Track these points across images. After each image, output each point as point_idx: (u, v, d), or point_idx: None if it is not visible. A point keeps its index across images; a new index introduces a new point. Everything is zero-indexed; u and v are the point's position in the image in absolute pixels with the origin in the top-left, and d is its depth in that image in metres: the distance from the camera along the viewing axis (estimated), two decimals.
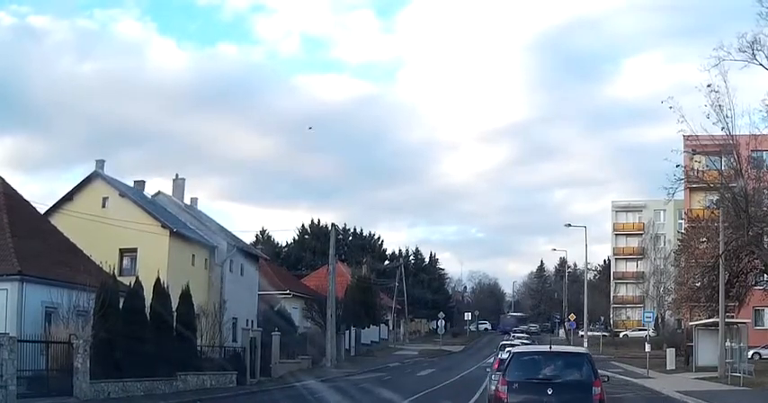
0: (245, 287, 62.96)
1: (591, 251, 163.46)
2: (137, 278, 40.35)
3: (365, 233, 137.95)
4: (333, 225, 64.50)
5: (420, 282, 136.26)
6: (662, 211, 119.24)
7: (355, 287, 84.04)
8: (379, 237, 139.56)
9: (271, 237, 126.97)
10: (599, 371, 21.16)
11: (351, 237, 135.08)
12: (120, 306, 37.17)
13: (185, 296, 42.95)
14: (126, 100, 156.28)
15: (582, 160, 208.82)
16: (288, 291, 75.23)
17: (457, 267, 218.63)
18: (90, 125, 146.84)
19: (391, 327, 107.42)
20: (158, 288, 40.72)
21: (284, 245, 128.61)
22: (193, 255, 56.42)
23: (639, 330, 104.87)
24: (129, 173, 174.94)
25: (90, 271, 39.00)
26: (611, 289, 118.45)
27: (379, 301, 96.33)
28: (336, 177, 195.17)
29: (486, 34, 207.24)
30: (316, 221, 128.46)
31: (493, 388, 25.46)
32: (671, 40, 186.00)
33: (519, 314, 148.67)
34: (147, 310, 39.11)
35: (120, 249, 51.79)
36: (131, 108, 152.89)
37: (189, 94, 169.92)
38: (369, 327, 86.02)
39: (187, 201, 65.75)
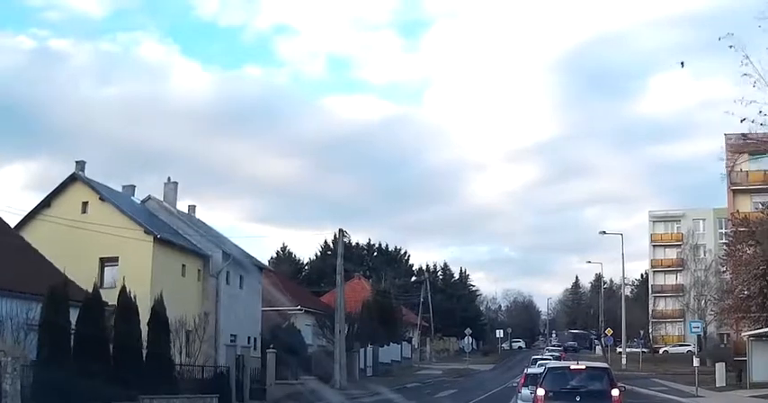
0: (246, 301, 57.23)
1: (626, 268, 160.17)
2: (94, 286, 34.63)
3: (390, 248, 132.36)
4: (340, 230, 58.10)
5: (449, 298, 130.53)
6: (701, 221, 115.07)
7: (374, 302, 78.47)
8: (405, 252, 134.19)
9: (292, 253, 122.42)
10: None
11: (375, 253, 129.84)
12: (76, 318, 31.70)
13: (158, 308, 37.15)
14: (151, 122, 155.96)
15: (611, 178, 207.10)
16: (299, 307, 69.43)
17: (491, 287, 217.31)
18: (114, 148, 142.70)
19: (416, 346, 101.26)
20: (124, 299, 35.20)
21: (306, 262, 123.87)
22: (184, 265, 50.86)
23: (680, 346, 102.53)
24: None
25: (52, 280, 33.51)
26: (650, 302, 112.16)
27: (401, 318, 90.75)
28: (364, 199, 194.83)
29: (510, 53, 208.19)
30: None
31: (520, 402, 33.20)
32: (696, 56, 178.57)
33: (578, 331, 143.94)
34: (112, 324, 33.63)
35: (100, 258, 46.89)
36: (156, 130, 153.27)
37: (215, 116, 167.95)
38: (388, 345, 79.76)
39: (184, 208, 60.50)
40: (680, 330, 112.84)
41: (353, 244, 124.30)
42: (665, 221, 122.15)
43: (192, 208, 61.90)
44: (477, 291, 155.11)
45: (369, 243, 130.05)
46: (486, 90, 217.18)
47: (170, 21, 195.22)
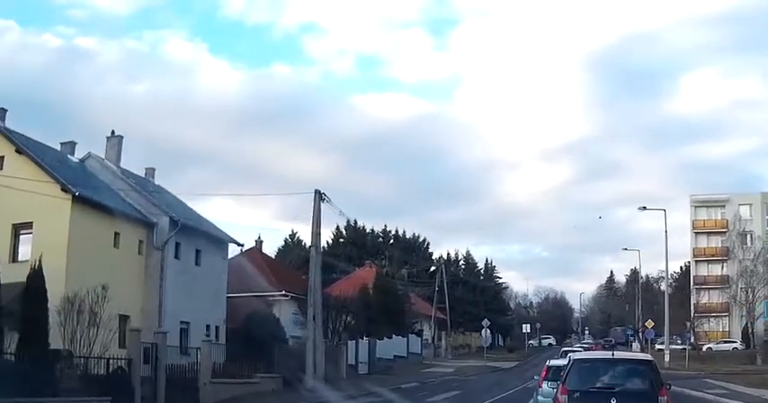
0: (204, 281, 46.93)
1: (658, 271, 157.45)
2: None
3: (408, 235, 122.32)
4: (317, 191, 46.18)
5: (471, 290, 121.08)
6: (748, 206, 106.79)
7: (376, 288, 68.63)
8: (424, 240, 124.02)
9: (302, 241, 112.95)
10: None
11: (392, 240, 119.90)
12: None
13: (34, 280, 27.23)
14: (181, 120, 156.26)
15: (644, 178, 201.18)
16: (283, 292, 59.31)
17: (523, 285, 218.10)
18: (144, 146, 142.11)
19: (429, 340, 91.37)
20: None
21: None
22: (117, 234, 40.74)
23: (726, 342, 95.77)
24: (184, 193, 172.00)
25: None
26: (693, 295, 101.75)
27: (410, 307, 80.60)
28: (396, 197, 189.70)
29: (541, 51, 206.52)
30: (352, 223, 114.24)
31: (540, 398, 27.93)
32: (728, 55, 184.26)
33: (626, 327, 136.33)
34: None
35: (13, 225, 37.87)
36: (186, 128, 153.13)
37: (245, 114, 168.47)
38: (390, 338, 69.55)
39: (140, 172, 50.78)
40: (724, 325, 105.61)
41: (368, 230, 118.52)
42: (707, 207, 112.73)
43: (150, 171, 52.21)
44: (503, 283, 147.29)
45: (384, 229, 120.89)
46: (518, 88, 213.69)
47: (197, 19, 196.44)
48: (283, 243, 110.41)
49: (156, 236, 43.22)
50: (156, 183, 52.19)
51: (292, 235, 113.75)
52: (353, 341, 58.36)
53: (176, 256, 44.58)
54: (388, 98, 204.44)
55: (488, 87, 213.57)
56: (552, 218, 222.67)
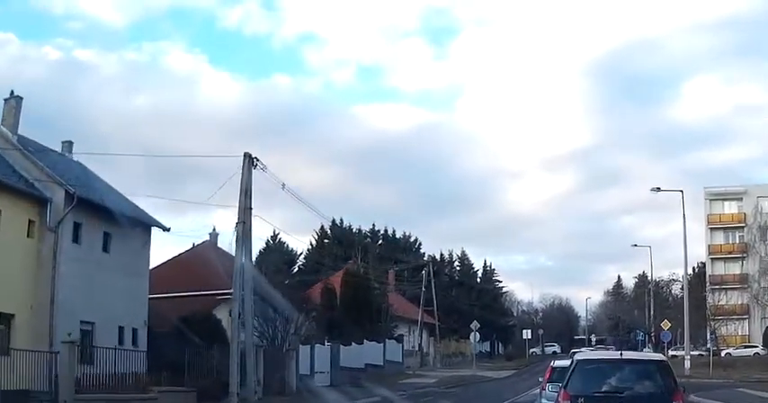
0: (117, 273, 38.38)
1: (668, 272, 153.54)
2: None
3: (398, 234, 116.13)
4: (246, 154, 36.74)
5: (466, 292, 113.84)
6: (767, 198, 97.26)
7: (345, 285, 60.98)
8: (416, 240, 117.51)
9: (285, 243, 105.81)
10: None
11: (381, 240, 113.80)
12: None
13: None
14: (181, 132, 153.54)
15: (648, 185, 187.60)
16: (232, 292, 51.03)
17: (527, 294, 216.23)
18: (146, 159, 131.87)
19: (416, 347, 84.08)
20: None
21: (303, 252, 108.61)
22: None
23: (746, 347, 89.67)
24: (186, 208, 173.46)
25: None
26: (709, 295, 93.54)
27: (387, 308, 72.44)
28: (397, 207, 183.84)
29: (543, 60, 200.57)
30: (338, 221, 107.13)
31: (544, 401, 26.29)
32: (729, 61, 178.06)
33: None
34: None
35: None
36: (186, 140, 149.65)
37: (246, 125, 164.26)
38: (361, 344, 61.20)
39: (55, 146, 42.54)
40: (744, 329, 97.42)
41: (355, 230, 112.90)
42: (723, 200, 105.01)
43: (67, 145, 43.82)
44: (503, 287, 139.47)
45: (373, 228, 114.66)
46: (520, 97, 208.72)
47: (196, 30, 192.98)
48: (264, 245, 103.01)
49: (51, 214, 34.88)
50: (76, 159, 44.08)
51: (274, 237, 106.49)
52: (309, 346, 50.10)
53: (75, 240, 36.17)
54: (390, 108, 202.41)
55: (490, 96, 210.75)
56: (556, 226, 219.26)
